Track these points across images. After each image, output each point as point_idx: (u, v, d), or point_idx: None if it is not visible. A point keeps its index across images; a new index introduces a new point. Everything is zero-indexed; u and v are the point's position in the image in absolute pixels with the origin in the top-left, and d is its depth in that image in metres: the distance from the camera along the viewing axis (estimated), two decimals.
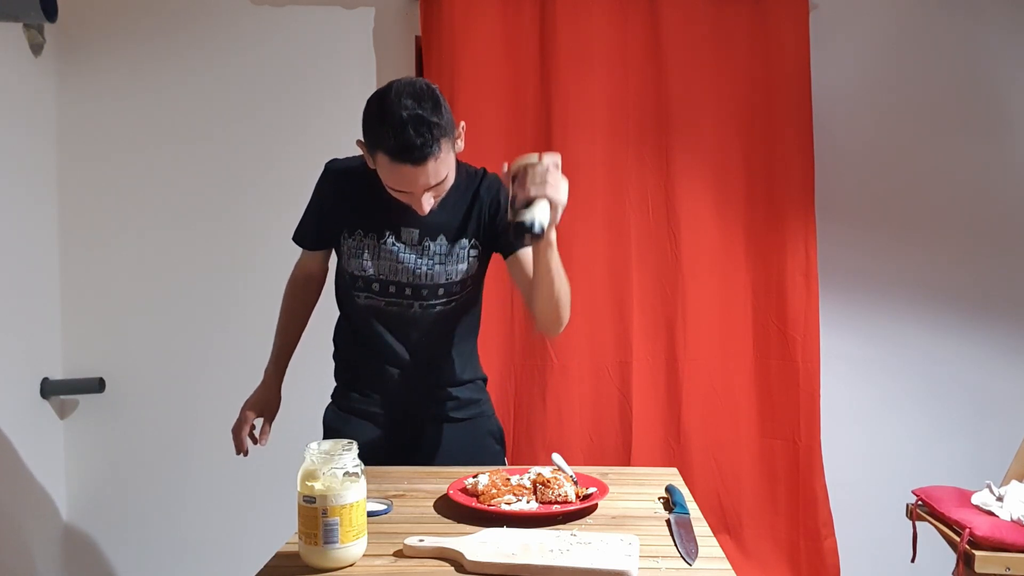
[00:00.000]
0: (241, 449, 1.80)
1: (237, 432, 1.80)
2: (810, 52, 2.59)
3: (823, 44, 2.65)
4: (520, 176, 1.43)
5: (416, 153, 1.39)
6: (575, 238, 2.56)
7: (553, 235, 1.48)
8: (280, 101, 2.65)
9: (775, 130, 2.60)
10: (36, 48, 2.53)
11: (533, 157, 1.43)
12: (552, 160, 1.42)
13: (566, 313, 1.63)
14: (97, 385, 2.60)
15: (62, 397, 2.64)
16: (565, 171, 2.50)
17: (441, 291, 1.64)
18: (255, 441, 1.82)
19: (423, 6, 2.59)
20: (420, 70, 2.66)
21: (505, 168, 1.45)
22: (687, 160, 2.61)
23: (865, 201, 2.72)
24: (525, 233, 1.39)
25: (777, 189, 2.60)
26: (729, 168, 2.61)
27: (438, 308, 1.66)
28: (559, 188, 1.41)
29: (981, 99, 2.71)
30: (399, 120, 1.37)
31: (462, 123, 1.52)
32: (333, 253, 1.75)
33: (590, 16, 2.57)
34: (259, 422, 1.84)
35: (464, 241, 1.64)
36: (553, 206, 1.41)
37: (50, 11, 2.09)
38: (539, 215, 1.39)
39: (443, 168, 1.45)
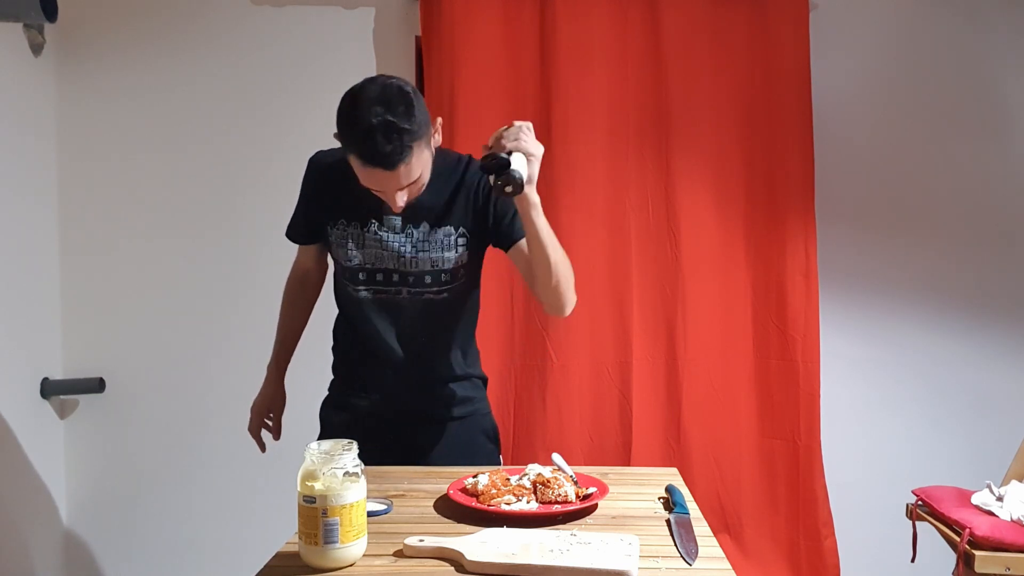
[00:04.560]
0: (261, 447, 1.89)
1: (252, 432, 1.87)
2: (810, 52, 2.59)
3: (823, 44, 2.65)
4: (494, 143, 1.47)
5: (386, 160, 1.39)
6: (575, 238, 2.56)
7: (536, 197, 1.49)
8: (280, 101, 2.65)
9: (775, 130, 2.60)
10: (36, 48, 2.53)
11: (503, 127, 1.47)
12: (524, 123, 1.47)
13: (569, 294, 1.64)
14: (97, 385, 2.60)
15: (62, 397, 2.64)
16: (565, 171, 2.56)
17: (428, 278, 1.64)
18: (273, 435, 1.90)
19: (423, 6, 2.59)
20: (420, 70, 2.66)
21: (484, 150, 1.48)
22: (687, 160, 2.61)
23: (865, 201, 2.72)
24: (507, 184, 1.41)
25: (777, 189, 2.60)
26: (729, 168, 2.61)
27: (427, 296, 1.65)
28: (532, 143, 1.46)
29: (981, 99, 2.71)
30: (369, 126, 1.37)
31: (439, 119, 1.53)
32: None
33: (590, 16, 2.57)
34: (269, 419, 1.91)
35: (449, 228, 1.63)
36: (529, 159, 1.44)
37: (50, 11, 2.09)
38: (517, 166, 1.42)
39: (416, 169, 1.45)
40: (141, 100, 2.64)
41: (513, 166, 1.42)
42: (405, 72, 2.66)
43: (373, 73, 2.62)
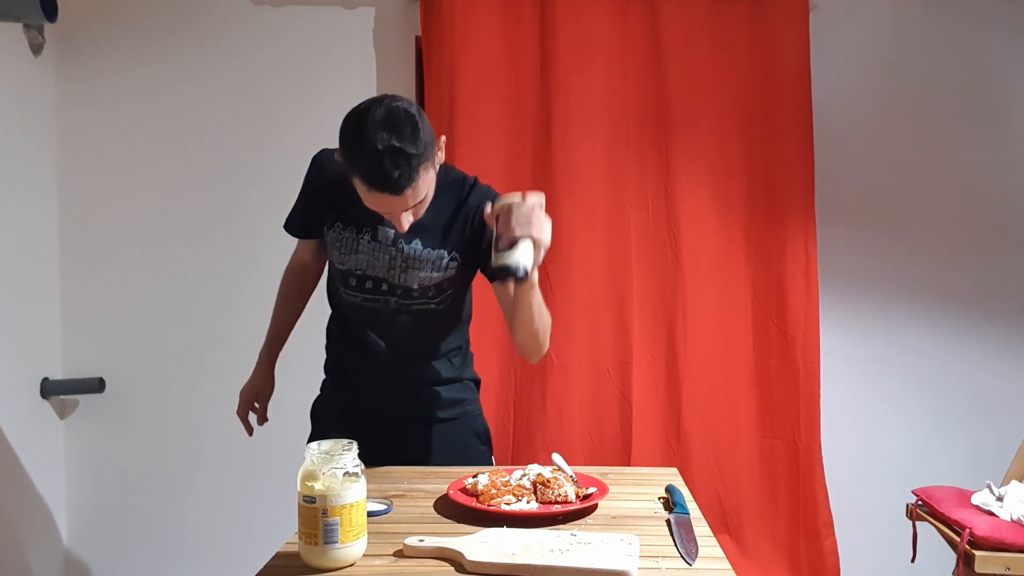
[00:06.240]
0: (248, 431, 1.89)
1: (240, 415, 1.88)
2: (810, 52, 2.59)
3: (823, 44, 2.65)
4: (503, 216, 1.42)
5: (393, 185, 1.38)
6: (575, 238, 2.56)
7: (535, 275, 1.48)
8: (280, 101, 2.65)
9: (775, 130, 2.60)
10: (36, 48, 2.53)
11: (516, 196, 1.42)
12: (536, 200, 1.41)
13: (545, 345, 1.65)
14: (97, 385, 2.60)
15: (62, 397, 2.64)
16: (565, 171, 2.56)
17: (415, 293, 1.64)
18: (258, 420, 1.91)
19: (423, 6, 2.59)
20: (420, 70, 2.66)
21: (488, 208, 1.44)
22: (687, 160, 2.61)
23: (865, 201, 2.72)
24: (508, 276, 1.40)
25: (777, 189, 2.60)
26: (729, 168, 2.61)
27: (415, 307, 1.65)
28: (543, 228, 1.41)
29: (981, 99, 2.71)
30: (375, 152, 1.36)
31: (442, 137, 1.51)
32: None
33: (590, 16, 2.57)
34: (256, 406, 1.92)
35: (442, 251, 1.62)
36: (536, 246, 1.41)
37: (50, 11, 2.09)
38: (523, 257, 1.39)
39: (422, 190, 1.44)
40: (141, 100, 2.64)
41: (520, 262, 1.38)
42: (405, 72, 2.66)
43: (373, 73, 2.65)
